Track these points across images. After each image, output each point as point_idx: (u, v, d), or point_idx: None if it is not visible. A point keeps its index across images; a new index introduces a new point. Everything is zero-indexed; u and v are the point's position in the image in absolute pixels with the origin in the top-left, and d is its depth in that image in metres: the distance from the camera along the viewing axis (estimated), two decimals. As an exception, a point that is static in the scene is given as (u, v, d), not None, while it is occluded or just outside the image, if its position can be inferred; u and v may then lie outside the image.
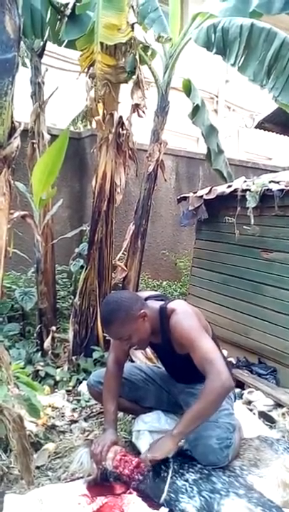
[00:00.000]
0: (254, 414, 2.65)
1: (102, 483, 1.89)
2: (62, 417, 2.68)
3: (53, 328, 3.53)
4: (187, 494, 1.77)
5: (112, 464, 1.88)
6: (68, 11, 3.36)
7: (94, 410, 2.74)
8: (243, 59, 3.22)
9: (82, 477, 1.95)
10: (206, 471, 1.87)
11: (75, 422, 2.62)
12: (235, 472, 1.92)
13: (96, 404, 2.71)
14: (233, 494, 1.77)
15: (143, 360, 3.26)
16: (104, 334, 3.39)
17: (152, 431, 2.12)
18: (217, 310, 3.83)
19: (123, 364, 2.21)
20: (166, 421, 2.14)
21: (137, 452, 2.11)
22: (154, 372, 2.35)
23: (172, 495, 1.77)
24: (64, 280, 4.62)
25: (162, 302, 2.07)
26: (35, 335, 3.66)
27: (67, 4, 3.36)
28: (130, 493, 1.83)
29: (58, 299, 4.17)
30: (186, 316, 1.97)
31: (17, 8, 1.10)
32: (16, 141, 1.12)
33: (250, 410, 2.69)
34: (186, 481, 1.83)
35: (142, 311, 1.96)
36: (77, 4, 3.28)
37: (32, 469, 1.37)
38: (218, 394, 1.78)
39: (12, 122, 1.14)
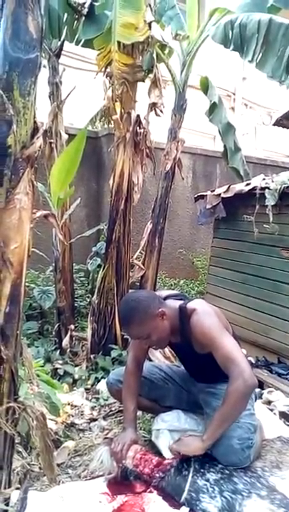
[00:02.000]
0: (274, 414, 2.62)
1: (123, 482, 1.89)
2: (82, 415, 2.69)
3: (72, 326, 3.55)
4: (208, 494, 1.76)
5: (132, 463, 1.88)
6: (85, 11, 3.37)
7: (113, 409, 2.74)
8: (261, 55, 3.19)
9: (102, 475, 1.96)
10: (228, 472, 1.86)
11: (94, 420, 2.63)
12: (257, 473, 1.90)
13: (115, 402, 2.71)
14: (255, 495, 1.75)
15: (161, 360, 3.25)
16: (123, 333, 3.40)
17: (172, 430, 2.12)
18: (236, 309, 3.80)
19: (142, 363, 2.21)
20: (186, 420, 2.13)
21: (156, 451, 2.10)
22: (174, 371, 2.34)
23: (193, 494, 1.77)
24: (82, 279, 4.65)
25: (181, 301, 2.06)
26: (53, 333, 3.70)
27: (84, 4, 3.37)
28: (151, 491, 1.82)
29: (76, 297, 4.20)
30: (206, 315, 1.96)
31: (40, 9, 1.10)
32: (39, 141, 1.12)
33: (271, 410, 2.66)
34: (208, 480, 1.82)
35: (161, 309, 1.95)
36: (95, 4, 3.29)
37: (54, 467, 1.38)
38: (243, 392, 1.79)
39: (35, 122, 1.14)
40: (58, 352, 3.38)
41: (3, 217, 1.12)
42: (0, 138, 1.10)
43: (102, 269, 3.48)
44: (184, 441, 1.90)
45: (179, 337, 2.05)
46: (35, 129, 1.15)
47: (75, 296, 4.13)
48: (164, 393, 2.27)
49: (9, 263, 1.14)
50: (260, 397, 2.85)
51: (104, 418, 2.66)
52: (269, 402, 2.80)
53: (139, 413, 2.43)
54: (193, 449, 1.86)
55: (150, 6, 3.22)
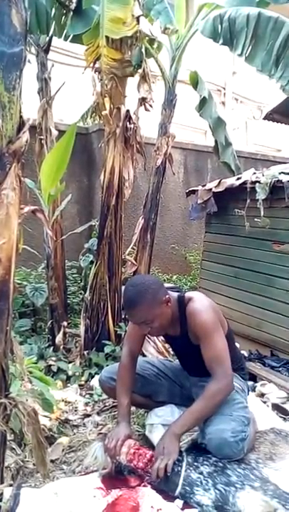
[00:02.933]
0: (267, 406, 2.64)
1: (117, 477, 1.89)
2: (76, 411, 2.69)
3: (64, 323, 3.54)
4: (202, 487, 1.77)
5: (126, 458, 1.88)
6: (73, 5, 3.34)
7: (107, 404, 2.74)
8: (251, 49, 3.18)
9: (96, 470, 1.97)
10: (221, 464, 1.87)
11: (88, 416, 2.63)
12: (251, 465, 1.91)
13: (108, 398, 2.72)
14: (249, 487, 1.76)
15: (155, 354, 3.26)
16: (116, 329, 3.40)
17: (165, 424, 2.12)
18: (228, 303, 3.82)
19: (137, 357, 2.21)
20: (180, 414, 2.13)
21: (150, 445, 2.11)
22: (166, 366, 2.35)
23: (187, 488, 1.77)
24: (74, 275, 4.64)
25: (178, 293, 2.10)
26: (46, 330, 3.69)
27: (72, -2, 3.35)
28: (145, 485, 1.83)
29: (69, 294, 4.19)
30: (203, 306, 1.99)
31: (23, 2, 1.09)
32: (25, 136, 1.11)
33: (264, 403, 2.68)
34: (201, 473, 1.83)
35: (167, 296, 1.97)
36: (83, -1, 3.26)
37: (47, 463, 1.38)
38: (224, 395, 1.91)
39: (21, 117, 1.13)
40: (52, 349, 3.37)
41: (-10, 213, 1.11)
42: (-15, 133, 1.09)
43: (94, 266, 3.47)
44: (161, 452, 1.83)
45: (178, 328, 2.06)
46: (22, 124, 1.14)
47: (68, 292, 4.12)
48: (156, 389, 2.27)
49: (-3, 259, 1.13)
50: (253, 390, 2.87)
51: (98, 414, 2.66)
52: (262, 395, 2.83)
53: (133, 408, 2.44)
54: (175, 451, 1.85)
55: (138, 0, 3.21)
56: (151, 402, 2.29)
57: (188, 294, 2.06)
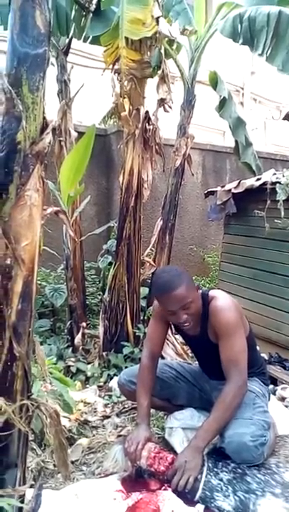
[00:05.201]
0: (289, 410, 2.59)
1: (137, 480, 1.88)
2: (95, 412, 2.69)
3: (83, 324, 3.56)
4: (222, 493, 1.74)
5: (146, 462, 1.87)
6: (93, 7, 3.36)
7: (126, 406, 2.74)
8: (271, 49, 3.13)
9: (116, 473, 1.96)
10: (240, 470, 1.84)
11: (108, 417, 2.63)
12: (271, 469, 1.88)
13: (128, 400, 2.71)
14: (270, 494, 1.73)
15: (174, 357, 3.25)
16: (134, 330, 3.39)
17: (185, 428, 2.10)
18: (248, 305, 3.77)
19: (157, 358, 2.18)
20: (200, 418, 2.11)
21: (170, 448, 2.10)
22: (185, 369, 2.32)
23: (207, 492, 1.75)
24: (93, 276, 4.65)
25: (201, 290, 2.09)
26: (65, 331, 3.71)
27: (91, 0, 3.36)
28: (166, 489, 1.81)
29: (87, 295, 4.20)
30: (226, 304, 1.98)
31: (47, 3, 1.09)
32: (48, 137, 1.11)
33: (285, 407, 2.63)
34: (221, 480, 1.80)
35: (196, 284, 1.99)
36: (102, 0, 3.27)
37: (69, 464, 1.38)
38: (239, 398, 1.89)
39: (44, 118, 1.13)
40: (71, 350, 3.39)
41: (14, 214, 1.11)
42: (9, 134, 1.09)
43: (113, 267, 3.47)
44: (184, 468, 1.78)
45: (198, 326, 2.04)
46: (45, 125, 1.14)
47: (87, 293, 4.13)
48: (175, 392, 2.25)
49: (21, 260, 1.13)
50: (274, 394, 2.83)
51: (117, 415, 2.66)
52: (283, 399, 2.78)
53: (152, 410, 2.43)
54: (198, 465, 1.80)
55: (157, 1, 3.19)
56: (170, 405, 2.27)
57: (212, 292, 2.05)
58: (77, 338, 3.44)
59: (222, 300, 1.99)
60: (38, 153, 1.12)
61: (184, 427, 2.13)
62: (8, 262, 1.13)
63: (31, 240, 1.15)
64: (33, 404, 1.20)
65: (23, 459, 1.26)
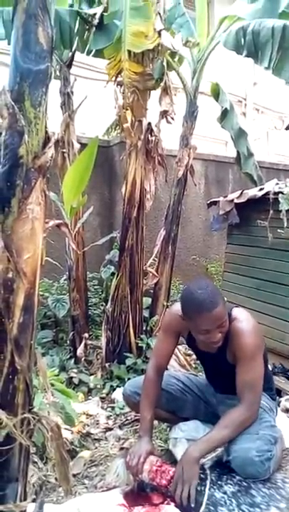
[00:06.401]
0: (293, 422, 2.56)
1: (139, 494, 1.86)
2: (97, 424, 2.67)
3: (86, 335, 3.55)
4: (226, 507, 1.72)
5: (148, 476, 1.85)
6: (96, 21, 3.39)
7: (128, 418, 2.72)
8: (278, 62, 3.14)
9: (118, 486, 1.94)
10: (245, 484, 1.81)
11: (110, 429, 2.61)
12: (277, 484, 1.85)
13: (130, 411, 2.69)
14: (275, 508, 1.71)
15: (177, 368, 3.23)
16: (137, 341, 3.38)
17: (189, 439, 2.08)
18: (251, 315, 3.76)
19: (163, 371, 2.16)
20: (204, 430, 2.08)
21: (173, 460, 2.07)
22: (192, 381, 2.29)
23: (211, 507, 1.73)
24: (95, 287, 4.65)
25: None
26: (68, 342, 3.70)
27: (94, 14, 3.40)
28: (168, 503, 1.79)
29: (90, 305, 4.20)
30: (249, 327, 1.93)
31: (50, 20, 1.11)
32: (50, 151, 1.12)
33: (289, 419, 2.60)
34: (225, 493, 1.78)
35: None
36: (105, 14, 3.31)
37: (70, 479, 1.37)
38: (248, 424, 1.87)
39: (46, 132, 1.14)
40: (73, 361, 3.37)
41: (16, 228, 1.12)
42: (12, 148, 1.10)
43: (115, 278, 3.47)
44: (181, 479, 1.77)
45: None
46: (47, 139, 1.15)
47: (89, 304, 4.13)
48: (181, 404, 2.22)
49: (22, 273, 1.14)
50: (278, 405, 2.80)
51: (120, 427, 2.64)
52: (287, 410, 2.75)
53: (155, 422, 2.41)
54: (195, 476, 1.78)
55: (160, 14, 3.23)
56: (175, 417, 2.25)
57: (235, 312, 1.98)
58: (80, 349, 3.43)
59: (244, 322, 1.94)
60: (40, 167, 1.13)
61: (188, 438, 2.10)
62: (10, 275, 1.13)
63: (33, 253, 1.16)
64: (34, 418, 1.20)
65: (25, 473, 1.25)
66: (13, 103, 1.09)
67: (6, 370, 1.14)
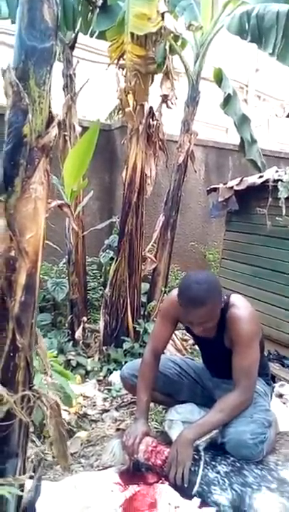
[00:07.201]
0: (287, 407, 2.61)
1: (135, 473, 1.90)
2: (94, 406, 2.71)
3: (84, 318, 3.58)
4: (219, 486, 1.76)
5: (144, 456, 1.89)
6: (100, 2, 3.35)
7: (125, 400, 2.76)
8: (282, 48, 3.11)
9: (114, 466, 1.98)
10: (238, 464, 1.85)
11: (107, 411, 2.65)
12: (269, 466, 1.89)
13: (127, 394, 2.73)
14: (265, 488, 1.75)
15: (173, 352, 3.26)
16: (135, 325, 3.41)
17: (185, 421, 2.12)
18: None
19: (160, 355, 2.18)
20: (200, 413, 2.11)
21: (168, 441, 2.11)
22: (189, 365, 2.32)
23: (204, 487, 1.77)
24: (94, 271, 4.66)
25: None
26: (66, 325, 3.73)
27: (98, -5, 3.36)
28: (162, 482, 1.83)
29: (89, 290, 4.22)
30: (246, 314, 1.95)
31: (55, -4, 1.10)
32: (54, 131, 1.11)
33: (283, 403, 2.65)
34: (218, 473, 1.82)
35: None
36: (109, -6, 3.27)
37: (68, 456, 1.39)
38: (242, 409, 1.91)
39: (50, 112, 1.14)
40: (71, 343, 3.40)
41: (19, 207, 1.12)
42: (16, 127, 1.09)
43: (114, 262, 3.48)
44: (175, 460, 1.81)
45: (214, 331, 2.00)
46: (51, 119, 1.14)
47: (88, 288, 4.15)
48: (178, 388, 2.26)
49: (24, 252, 1.14)
50: (272, 391, 2.84)
51: (116, 409, 2.68)
52: (281, 395, 2.79)
53: (152, 405, 2.44)
54: (189, 457, 1.82)
55: (164, -4, 3.20)
56: (171, 400, 2.28)
57: (232, 299, 1.99)
58: (78, 333, 3.46)
59: (242, 309, 1.96)
60: (44, 146, 1.12)
61: (183, 421, 2.14)
62: (13, 254, 1.14)
63: (35, 233, 1.16)
64: (34, 395, 1.22)
65: (24, 449, 1.27)
66: (17, 81, 1.08)
67: (7, 348, 1.16)
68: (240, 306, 1.97)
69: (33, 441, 1.99)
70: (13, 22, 3.39)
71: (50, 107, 1.15)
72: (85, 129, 3.46)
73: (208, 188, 4.41)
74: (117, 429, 2.41)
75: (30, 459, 1.73)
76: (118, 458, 1.99)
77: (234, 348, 1.95)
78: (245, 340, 1.93)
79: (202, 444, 1.98)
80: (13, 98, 1.09)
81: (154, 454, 1.90)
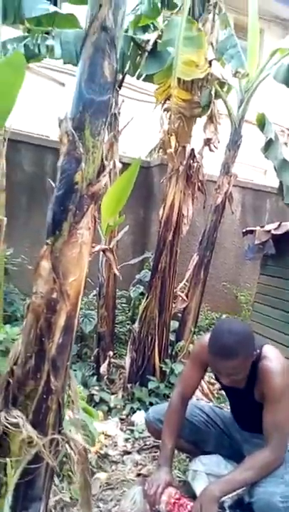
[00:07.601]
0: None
1: (155, 524, 1.83)
2: (115, 446, 2.65)
3: (110, 353, 3.55)
4: None
5: (165, 508, 1.81)
6: (149, 47, 3.48)
7: (147, 443, 2.69)
8: None
9: (133, 514, 1.91)
10: (265, 527, 1.76)
11: (128, 453, 2.58)
12: (297, 532, 1.79)
13: (150, 436, 2.65)
14: None
15: (199, 396, 3.18)
16: (161, 365, 3.35)
17: (209, 474, 2.03)
18: (281, 351, 3.65)
19: (188, 401, 2.12)
20: (226, 466, 2.03)
21: (191, 493, 2.03)
22: (217, 414, 2.24)
23: None
24: (123, 305, 4.66)
25: None
26: (91, 358, 3.71)
27: (148, 40, 3.49)
28: (183, 538, 1.75)
29: (116, 323, 4.20)
30: (279, 367, 1.87)
31: (116, 54, 1.15)
32: (104, 179, 1.15)
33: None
34: (243, 534, 1.73)
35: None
36: (159, 41, 3.39)
37: (91, 503, 1.36)
38: (274, 467, 1.80)
39: (102, 161, 1.18)
40: (95, 378, 3.37)
41: (65, 251, 1.14)
42: (68, 174, 1.13)
43: (145, 299, 3.47)
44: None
45: (244, 382, 1.92)
46: (102, 168, 1.18)
47: (116, 322, 4.14)
48: (205, 437, 2.18)
49: (66, 295, 1.16)
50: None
51: (138, 452, 2.61)
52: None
53: (175, 451, 2.36)
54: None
55: (212, 44, 3.29)
56: (196, 449, 2.20)
57: (265, 349, 1.92)
58: (103, 367, 3.43)
59: (274, 362, 1.88)
60: (94, 194, 1.16)
61: (208, 473, 2.05)
62: (54, 296, 1.15)
63: (78, 276, 1.18)
64: (63, 439, 1.20)
65: (48, 492, 1.26)
66: (73, 131, 1.13)
67: (40, 390, 1.16)
68: (273, 358, 1.90)
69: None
70: (65, 62, 3.56)
71: (102, 156, 1.19)
72: (124, 164, 3.54)
73: (245, 230, 4.39)
74: (138, 475, 2.34)
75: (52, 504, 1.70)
76: (138, 506, 1.92)
77: (265, 402, 1.88)
78: (277, 395, 1.85)
79: (228, 501, 1.88)
80: (68, 147, 1.14)
81: (177, 506, 1.83)
